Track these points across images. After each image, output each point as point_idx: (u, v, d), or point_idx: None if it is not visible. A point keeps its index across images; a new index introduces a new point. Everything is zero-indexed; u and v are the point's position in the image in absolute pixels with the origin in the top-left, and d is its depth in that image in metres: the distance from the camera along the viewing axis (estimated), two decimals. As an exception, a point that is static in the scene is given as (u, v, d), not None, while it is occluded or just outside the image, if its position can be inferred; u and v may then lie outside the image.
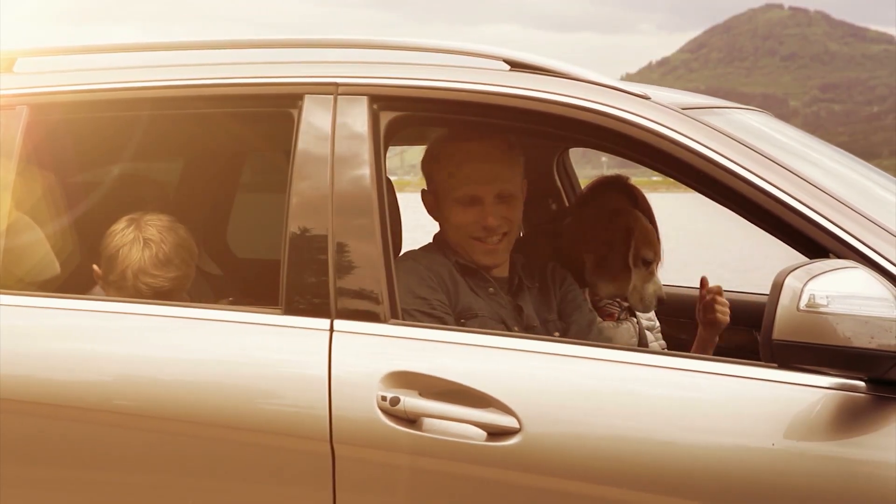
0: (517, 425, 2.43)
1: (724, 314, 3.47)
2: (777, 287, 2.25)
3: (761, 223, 2.54)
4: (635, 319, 3.71)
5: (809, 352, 2.24)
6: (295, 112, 2.77)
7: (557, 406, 2.45)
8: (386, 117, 2.74)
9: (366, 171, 2.69)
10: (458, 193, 3.06)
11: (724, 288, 3.65)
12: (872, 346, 2.23)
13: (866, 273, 2.27)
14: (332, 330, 2.61)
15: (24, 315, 2.83)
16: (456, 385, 2.49)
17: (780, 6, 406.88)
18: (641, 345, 3.65)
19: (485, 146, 3.07)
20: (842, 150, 3.22)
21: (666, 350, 3.78)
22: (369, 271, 2.64)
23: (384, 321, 2.61)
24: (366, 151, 2.70)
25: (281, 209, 2.71)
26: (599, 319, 3.53)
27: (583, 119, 2.63)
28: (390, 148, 3.02)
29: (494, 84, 2.70)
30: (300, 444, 2.55)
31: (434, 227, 3.22)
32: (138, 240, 3.08)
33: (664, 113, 2.59)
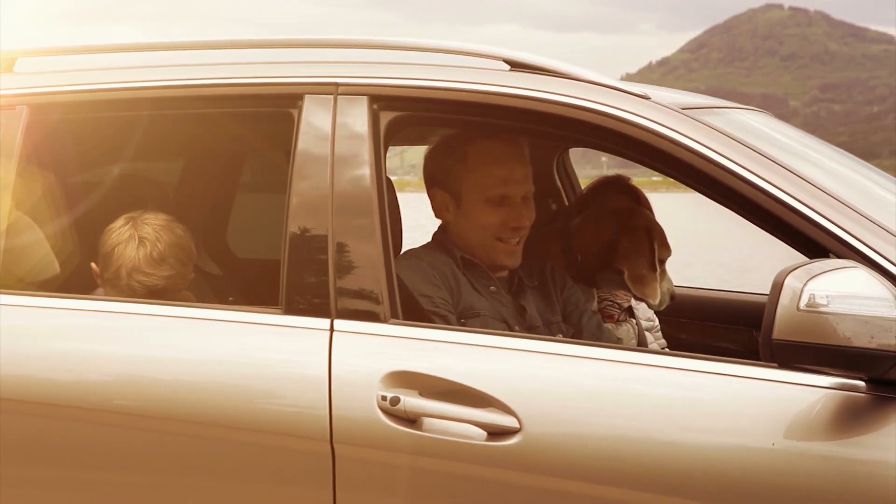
0: (517, 425, 2.43)
1: None
2: (777, 287, 2.25)
3: (761, 223, 2.54)
4: (634, 320, 3.71)
5: (809, 352, 2.24)
6: (295, 112, 2.77)
7: (558, 406, 2.45)
8: (386, 117, 2.74)
9: (366, 171, 2.69)
10: (490, 193, 3.07)
11: (724, 288, 3.66)
12: (872, 345, 2.23)
13: (866, 273, 2.27)
14: (332, 330, 2.61)
15: (24, 315, 2.83)
16: (456, 385, 2.49)
17: (780, 6, 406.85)
18: (640, 345, 3.65)
19: (511, 147, 3.11)
20: (842, 150, 3.22)
21: (666, 350, 3.79)
22: (369, 271, 2.64)
23: (384, 321, 2.61)
24: (366, 151, 2.70)
25: (281, 209, 2.71)
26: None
27: (583, 119, 2.63)
28: (390, 148, 3.02)
29: (494, 84, 2.70)
30: (300, 444, 2.55)
31: (433, 226, 3.22)
32: (133, 238, 3.08)
33: (664, 113, 2.59)
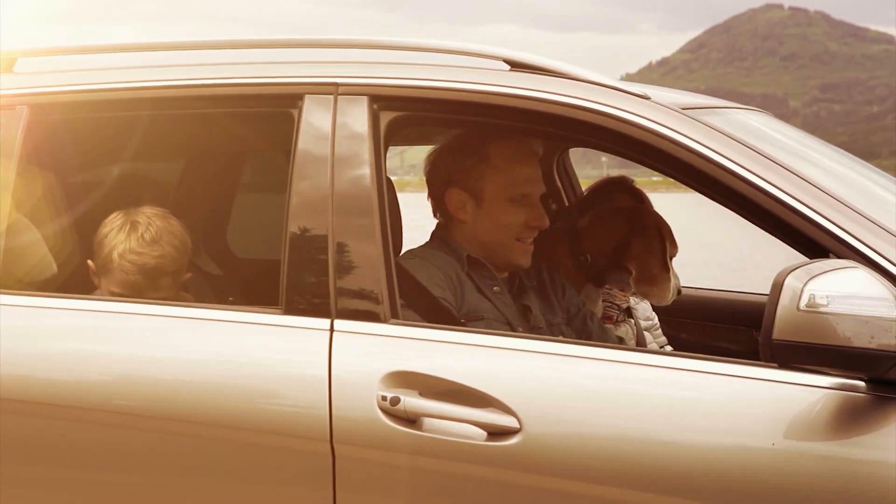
0: (517, 425, 2.43)
1: None
2: (777, 287, 2.25)
3: (761, 223, 2.54)
4: (633, 321, 3.72)
5: (809, 352, 2.24)
6: (295, 112, 2.76)
7: (558, 406, 2.45)
8: (386, 117, 2.74)
9: (366, 171, 2.69)
10: (514, 192, 3.09)
11: (723, 288, 3.66)
12: (872, 346, 2.22)
13: (866, 273, 2.27)
14: (332, 330, 2.61)
15: (24, 315, 2.83)
16: (456, 385, 2.49)
17: (780, 6, 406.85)
18: (639, 346, 3.65)
19: (528, 146, 3.15)
20: (842, 150, 3.22)
21: (666, 350, 3.79)
22: (369, 271, 2.64)
23: (384, 321, 2.61)
24: (366, 151, 2.70)
25: (281, 209, 2.71)
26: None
27: (583, 119, 2.63)
28: (390, 148, 3.02)
29: (494, 84, 2.70)
30: (300, 444, 2.55)
31: (432, 227, 3.21)
32: (126, 223, 3.10)
33: (664, 113, 2.59)
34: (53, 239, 3.17)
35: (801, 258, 2.39)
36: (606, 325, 3.54)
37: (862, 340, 2.22)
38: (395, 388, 2.50)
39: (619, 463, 2.38)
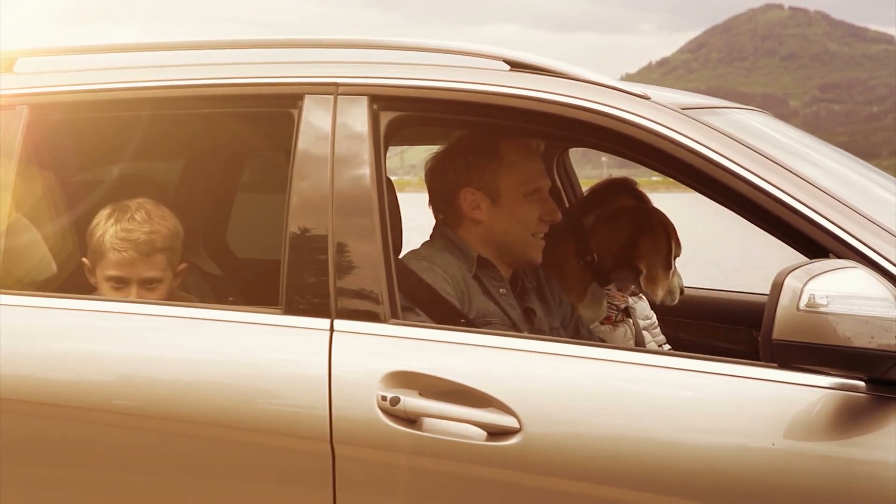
0: (517, 425, 2.43)
1: None
2: (777, 287, 2.25)
3: (761, 223, 2.54)
4: (631, 321, 3.71)
5: (809, 352, 2.24)
6: (295, 112, 2.76)
7: (558, 406, 2.45)
8: (386, 117, 2.74)
9: (366, 171, 2.69)
10: (529, 187, 3.09)
11: (723, 288, 3.66)
12: (872, 346, 2.22)
13: (866, 273, 2.27)
14: (332, 330, 2.61)
15: (24, 315, 2.83)
16: (456, 385, 2.49)
17: (780, 6, 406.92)
18: (638, 346, 3.65)
19: (533, 142, 3.19)
20: (842, 150, 3.22)
21: (666, 350, 3.79)
22: (369, 271, 2.64)
23: (384, 321, 2.61)
24: (366, 151, 2.70)
25: (281, 209, 2.71)
26: (597, 323, 3.54)
27: (583, 119, 2.63)
28: (390, 148, 3.02)
29: (494, 84, 2.70)
30: (300, 444, 2.55)
31: (432, 227, 3.21)
32: (115, 211, 3.11)
33: (664, 113, 2.59)
34: (53, 239, 3.17)
35: (801, 258, 2.39)
36: (605, 326, 3.54)
37: (862, 340, 2.22)
38: (395, 388, 2.50)
39: (619, 463, 2.38)
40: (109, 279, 3.07)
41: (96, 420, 2.68)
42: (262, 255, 4.17)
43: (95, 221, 3.13)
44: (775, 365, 2.34)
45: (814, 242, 2.43)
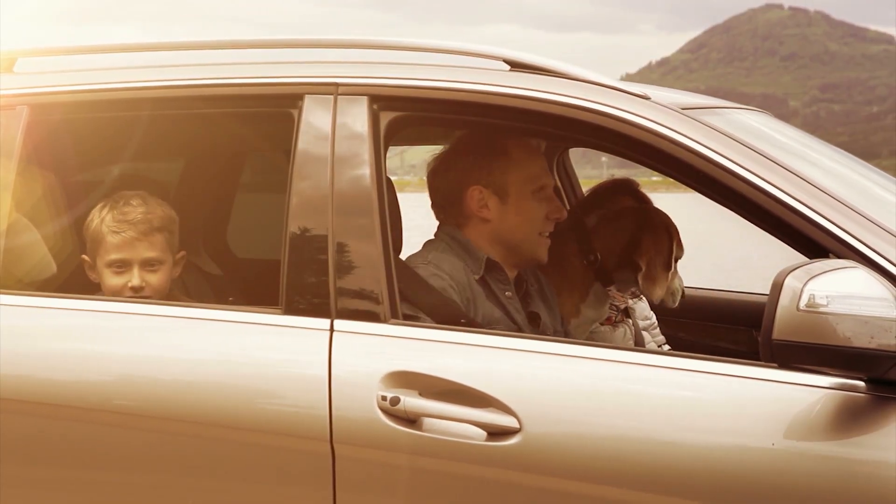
0: (517, 425, 2.43)
1: None
2: (777, 287, 2.25)
3: (761, 223, 2.54)
4: (630, 321, 3.71)
5: (809, 352, 2.24)
6: (295, 112, 2.77)
7: (558, 406, 2.45)
8: (386, 117, 2.74)
9: (366, 171, 2.69)
10: (536, 185, 3.09)
11: (723, 288, 3.65)
12: (872, 346, 2.22)
13: (866, 273, 2.27)
14: (332, 330, 2.61)
15: (24, 315, 2.83)
16: (456, 385, 2.49)
17: (780, 6, 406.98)
18: (637, 346, 3.65)
19: (534, 142, 3.19)
20: (842, 150, 3.22)
21: (666, 350, 3.79)
22: (369, 271, 2.64)
23: (384, 321, 2.61)
24: (366, 151, 2.70)
25: (281, 209, 2.71)
26: (597, 324, 3.54)
27: (583, 119, 2.63)
28: (390, 148, 3.01)
29: (494, 84, 2.70)
30: (300, 444, 2.55)
31: (432, 226, 3.20)
32: (110, 200, 3.13)
33: (664, 113, 2.59)
34: (53, 239, 3.17)
35: (801, 258, 2.39)
36: (605, 327, 3.54)
37: (862, 340, 2.22)
38: (395, 388, 2.50)
39: (619, 463, 2.38)
40: (111, 264, 3.07)
41: (96, 420, 2.68)
42: (262, 255, 4.17)
43: (91, 217, 3.14)
44: (775, 365, 2.34)
45: (814, 242, 2.43)
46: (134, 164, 3.78)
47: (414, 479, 2.51)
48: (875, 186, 2.88)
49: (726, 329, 4.12)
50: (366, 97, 2.74)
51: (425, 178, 3.23)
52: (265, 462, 2.57)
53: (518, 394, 2.46)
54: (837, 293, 2.23)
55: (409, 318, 2.71)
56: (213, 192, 4.22)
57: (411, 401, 2.49)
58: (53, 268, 3.14)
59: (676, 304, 3.58)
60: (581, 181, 4.31)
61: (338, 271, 2.64)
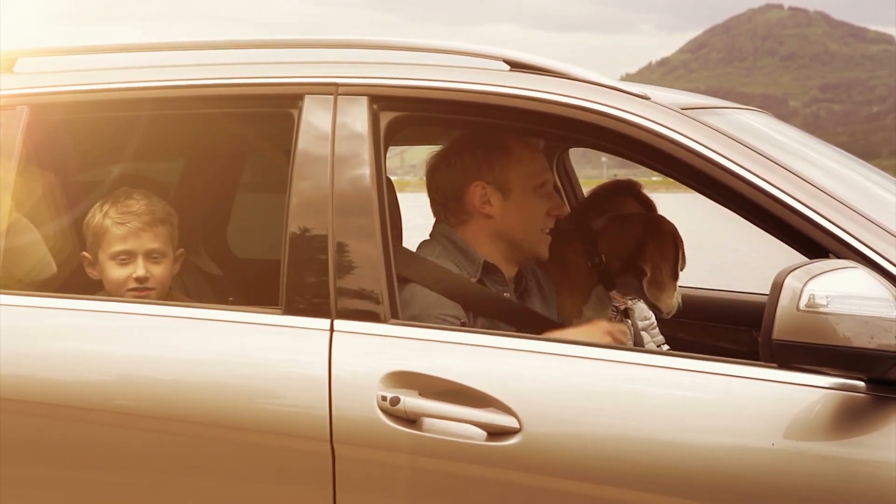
0: (517, 425, 2.43)
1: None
2: (777, 287, 2.25)
3: (761, 223, 2.54)
4: (630, 321, 3.71)
5: (809, 352, 2.24)
6: (295, 112, 2.77)
7: (558, 406, 2.45)
8: (386, 117, 2.74)
9: (366, 171, 2.69)
10: (537, 181, 3.09)
11: (723, 288, 3.65)
12: (872, 346, 2.22)
13: (866, 273, 2.27)
14: (332, 330, 2.61)
15: (24, 315, 2.83)
16: (456, 385, 2.49)
17: (780, 6, 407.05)
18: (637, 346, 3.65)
19: (533, 140, 3.18)
20: (842, 150, 3.22)
21: (666, 350, 3.79)
22: (369, 271, 2.64)
23: (384, 321, 2.61)
24: (366, 151, 2.70)
25: (281, 209, 2.71)
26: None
27: (583, 119, 2.63)
28: (390, 148, 3.01)
29: (494, 84, 2.70)
30: (300, 444, 2.55)
31: (432, 227, 3.20)
32: (110, 197, 3.15)
33: (664, 113, 2.59)
34: (53, 239, 3.17)
35: (801, 258, 2.39)
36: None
37: (862, 340, 2.22)
38: (395, 388, 2.50)
39: (619, 463, 2.38)
40: (115, 256, 3.09)
41: (96, 420, 2.68)
42: (262, 255, 4.17)
43: (91, 214, 3.16)
44: (775, 365, 2.34)
45: (814, 242, 2.43)
46: (134, 164, 3.78)
47: (414, 479, 2.51)
48: (875, 186, 2.88)
49: (726, 329, 4.12)
50: (366, 97, 2.74)
51: (425, 178, 3.22)
52: (265, 462, 2.57)
53: (518, 394, 2.46)
54: (837, 293, 2.23)
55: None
56: (213, 192, 4.22)
57: (411, 401, 2.49)
58: (53, 268, 3.14)
59: (670, 315, 3.58)
60: (581, 181, 4.31)
61: (338, 271, 2.64)
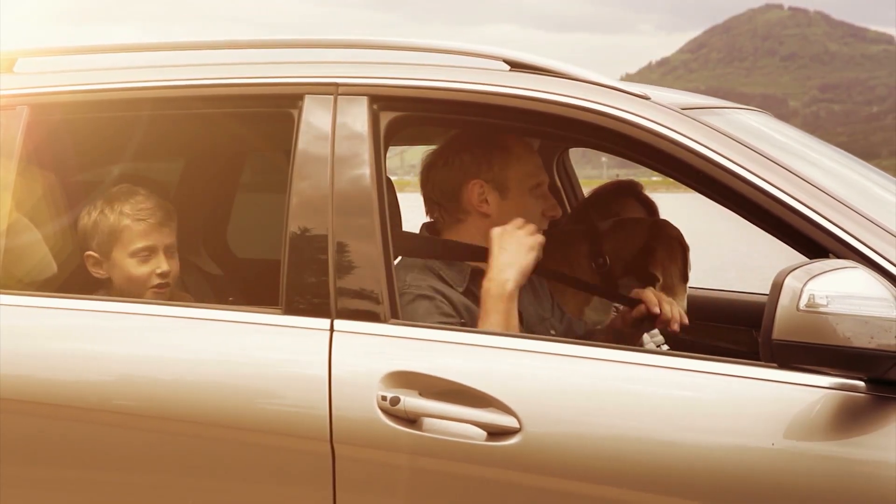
0: (517, 425, 2.43)
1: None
2: (777, 287, 2.25)
3: (761, 223, 2.54)
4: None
5: (809, 352, 2.24)
6: (295, 112, 2.76)
7: (557, 406, 2.45)
8: (386, 117, 2.74)
9: (366, 171, 2.69)
10: (533, 181, 3.09)
11: (723, 288, 3.64)
12: (872, 346, 2.22)
13: (866, 273, 2.27)
14: (332, 330, 2.61)
15: (24, 315, 2.84)
16: (456, 385, 2.49)
17: (780, 6, 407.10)
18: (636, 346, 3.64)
19: (529, 140, 3.19)
20: (842, 150, 3.22)
21: (666, 350, 3.79)
22: (369, 271, 2.64)
23: (384, 321, 2.61)
24: (366, 151, 2.70)
25: (281, 209, 2.71)
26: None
27: (583, 119, 2.63)
28: (390, 148, 3.01)
29: (494, 84, 2.70)
30: (300, 444, 2.55)
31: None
32: (114, 197, 3.18)
33: (664, 113, 2.59)
34: (53, 239, 3.17)
35: (801, 258, 2.39)
36: (599, 327, 3.53)
37: (862, 340, 2.22)
38: (395, 388, 2.50)
39: (619, 463, 2.38)
40: (137, 253, 3.11)
41: (96, 420, 2.68)
42: (262, 255, 4.17)
43: (94, 214, 3.16)
44: (775, 365, 2.33)
45: (814, 242, 2.43)
46: (134, 164, 3.78)
47: (414, 479, 2.51)
48: (875, 186, 2.88)
49: (726, 329, 4.12)
50: (366, 97, 2.74)
51: (420, 176, 3.21)
52: (265, 462, 2.57)
53: (518, 394, 2.46)
54: (837, 293, 2.23)
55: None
56: (213, 192, 4.22)
57: (411, 401, 2.49)
58: (53, 268, 3.14)
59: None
60: (581, 181, 4.31)
61: (338, 271, 2.64)
